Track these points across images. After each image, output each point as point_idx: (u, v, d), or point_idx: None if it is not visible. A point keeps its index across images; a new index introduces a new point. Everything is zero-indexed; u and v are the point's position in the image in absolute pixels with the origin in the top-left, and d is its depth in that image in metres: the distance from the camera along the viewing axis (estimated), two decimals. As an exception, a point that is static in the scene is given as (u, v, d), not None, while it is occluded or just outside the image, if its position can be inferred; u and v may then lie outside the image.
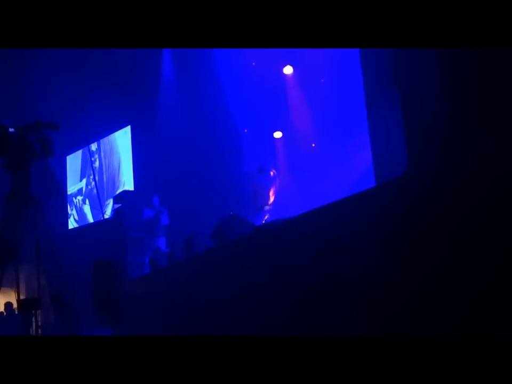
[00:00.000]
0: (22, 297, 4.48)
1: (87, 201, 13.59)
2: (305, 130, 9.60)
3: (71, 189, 14.09)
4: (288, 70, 9.83)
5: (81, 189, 13.87)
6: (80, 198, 13.84)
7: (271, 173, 7.90)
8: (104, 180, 13.20)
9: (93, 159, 13.23)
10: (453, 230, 2.68)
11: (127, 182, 12.40)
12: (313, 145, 9.65)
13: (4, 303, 10.53)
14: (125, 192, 11.39)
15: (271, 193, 7.90)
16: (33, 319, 4.28)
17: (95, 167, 13.30)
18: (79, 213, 13.84)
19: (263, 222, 7.59)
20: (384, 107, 4.17)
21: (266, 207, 7.85)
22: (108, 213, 12.16)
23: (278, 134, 10.16)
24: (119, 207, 10.40)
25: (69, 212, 14.03)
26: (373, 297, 3.10)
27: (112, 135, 12.85)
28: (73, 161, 14.05)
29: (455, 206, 2.69)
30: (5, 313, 10.62)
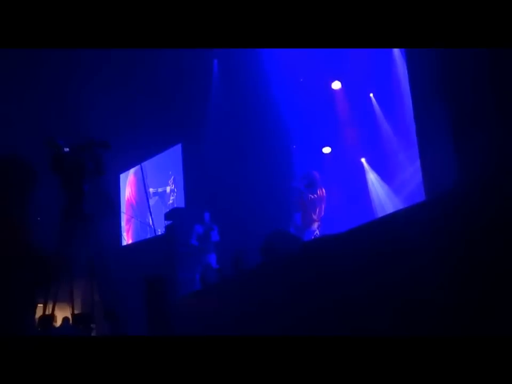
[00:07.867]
0: (76, 311, 4.58)
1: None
2: (354, 145, 9.53)
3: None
4: (336, 85, 9.82)
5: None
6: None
7: (319, 191, 7.84)
8: (157, 197, 13.45)
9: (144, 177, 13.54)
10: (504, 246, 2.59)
11: (178, 199, 12.59)
12: (362, 159, 9.57)
13: (61, 317, 10.79)
14: (176, 209, 11.58)
15: (319, 208, 7.85)
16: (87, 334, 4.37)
17: (147, 185, 13.59)
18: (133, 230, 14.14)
19: (312, 237, 7.53)
20: (433, 120, 4.10)
21: (315, 223, 7.79)
22: (159, 230, 12.37)
23: (327, 150, 10.13)
24: (170, 223, 10.57)
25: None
26: (420, 315, 3.03)
27: (163, 153, 13.11)
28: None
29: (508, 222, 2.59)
30: (60, 327, 10.87)
